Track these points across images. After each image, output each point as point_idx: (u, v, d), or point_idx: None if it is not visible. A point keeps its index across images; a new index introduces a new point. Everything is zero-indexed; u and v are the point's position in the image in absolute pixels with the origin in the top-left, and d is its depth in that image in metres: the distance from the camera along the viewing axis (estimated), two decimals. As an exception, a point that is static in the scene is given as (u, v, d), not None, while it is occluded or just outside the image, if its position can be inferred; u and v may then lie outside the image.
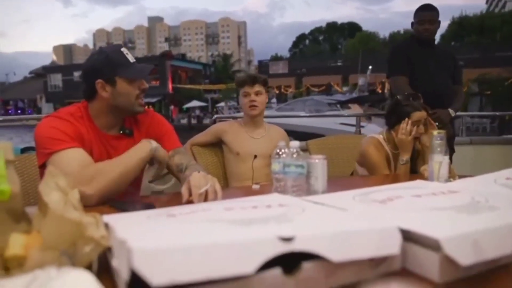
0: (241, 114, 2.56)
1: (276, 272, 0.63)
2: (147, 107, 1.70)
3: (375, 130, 7.78)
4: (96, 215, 0.78)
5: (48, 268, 0.64)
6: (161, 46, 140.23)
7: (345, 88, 33.36)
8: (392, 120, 2.15)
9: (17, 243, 0.72)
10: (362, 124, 4.44)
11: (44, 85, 44.42)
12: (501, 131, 12.94)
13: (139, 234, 0.68)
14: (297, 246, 0.64)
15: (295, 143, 1.30)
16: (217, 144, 2.49)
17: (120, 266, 0.64)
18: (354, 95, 21.33)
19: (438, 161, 1.53)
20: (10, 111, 47.83)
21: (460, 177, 1.57)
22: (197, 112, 33.86)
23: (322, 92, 32.24)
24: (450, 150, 2.86)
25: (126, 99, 1.56)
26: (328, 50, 77.52)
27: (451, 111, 2.87)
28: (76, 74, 40.34)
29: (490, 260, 0.72)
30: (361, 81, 28.23)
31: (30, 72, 61.19)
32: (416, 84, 2.78)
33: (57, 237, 0.70)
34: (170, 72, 38.08)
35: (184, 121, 30.20)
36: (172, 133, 1.71)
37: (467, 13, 45.44)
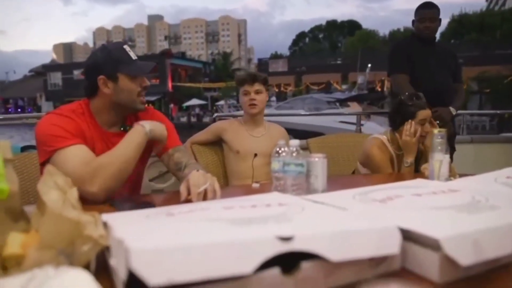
0: (241, 112, 2.55)
1: (275, 272, 0.63)
2: (147, 105, 1.70)
3: (374, 128, 7.81)
4: (95, 214, 0.78)
5: (46, 267, 0.63)
6: (161, 45, 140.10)
7: (344, 86, 33.35)
8: (397, 121, 2.12)
9: (15, 242, 0.71)
10: (362, 122, 4.43)
11: (44, 84, 44.37)
12: (500, 129, 12.98)
13: (137, 234, 0.68)
14: (296, 245, 0.64)
15: (295, 142, 1.29)
16: (217, 143, 2.49)
17: (118, 266, 0.64)
18: (353, 93, 21.35)
19: (439, 159, 1.53)
20: (10, 110, 47.81)
21: (461, 175, 1.56)
22: (197, 110, 33.84)
23: (321, 90, 32.25)
24: (451, 149, 2.85)
25: (127, 95, 1.56)
26: (327, 48, 77.47)
27: (452, 109, 2.86)
28: (76, 73, 40.31)
29: (490, 260, 0.72)
30: (360, 79, 28.23)
31: (30, 71, 61.11)
32: (417, 82, 2.77)
33: (55, 236, 0.70)
34: (170, 71, 38.03)
35: (183, 120, 30.17)
36: (172, 131, 1.71)
37: (467, 11, 45.40)
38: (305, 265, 0.65)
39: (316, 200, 0.98)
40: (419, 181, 1.28)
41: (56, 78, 43.76)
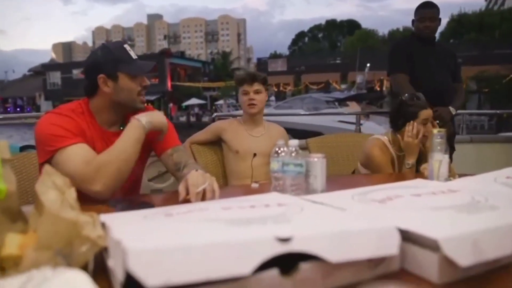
0: (241, 112, 2.55)
1: (273, 273, 0.63)
2: (147, 105, 1.70)
3: (373, 128, 7.82)
4: (93, 214, 0.78)
5: (44, 268, 0.63)
6: (160, 44, 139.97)
7: (343, 86, 33.34)
8: (399, 122, 2.11)
9: (13, 242, 0.71)
10: (360, 122, 4.44)
11: (43, 83, 44.31)
12: (499, 129, 13.01)
13: (134, 235, 0.68)
14: (294, 246, 0.63)
15: (294, 142, 1.29)
16: (217, 143, 2.49)
17: (115, 267, 0.64)
18: (352, 92, 21.36)
19: (438, 159, 1.52)
20: (9, 109, 47.75)
21: (460, 176, 1.56)
22: (196, 110, 33.83)
23: (320, 90, 32.27)
24: (451, 149, 2.85)
25: (128, 95, 1.55)
26: (327, 48, 77.46)
27: (452, 109, 2.86)
28: (75, 72, 40.23)
29: (490, 260, 0.71)
30: (359, 78, 28.22)
31: (29, 70, 61.03)
32: (417, 82, 2.77)
33: (53, 237, 0.70)
34: (169, 70, 38.00)
35: (183, 119, 30.17)
36: (171, 130, 1.70)
37: (466, 11, 45.41)
38: (304, 266, 0.65)
39: (315, 200, 0.98)
40: (418, 181, 1.28)
41: (55, 77, 43.71)
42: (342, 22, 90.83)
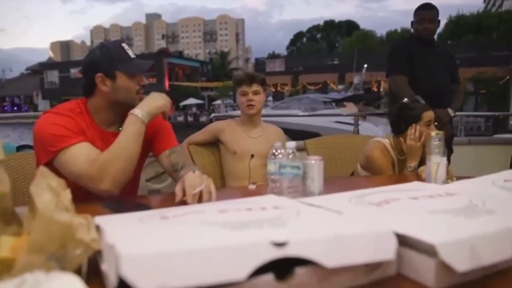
0: (238, 112, 2.54)
1: (268, 278, 0.62)
2: None
3: (370, 129, 7.84)
4: (88, 217, 0.77)
5: (37, 272, 0.62)
6: (159, 43, 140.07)
7: (340, 87, 33.40)
8: (401, 125, 2.08)
9: (5, 245, 0.70)
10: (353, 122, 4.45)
11: (41, 82, 44.16)
12: (495, 130, 13.10)
13: (128, 239, 0.67)
14: (290, 251, 0.63)
15: (291, 144, 1.28)
16: (214, 143, 2.48)
17: (109, 271, 0.63)
18: (349, 93, 21.39)
19: (436, 162, 1.52)
20: (6, 108, 47.61)
21: (458, 178, 1.56)
22: (194, 109, 33.80)
23: (318, 90, 32.33)
24: (449, 150, 2.85)
25: (126, 94, 1.54)
26: (325, 48, 77.53)
27: (450, 111, 2.86)
28: (73, 71, 40.09)
29: (487, 266, 0.71)
30: (356, 79, 28.25)
31: (27, 69, 60.88)
32: (416, 83, 2.77)
33: (46, 240, 0.69)
34: (167, 70, 37.97)
35: (180, 119, 30.12)
36: (170, 131, 1.69)
37: (464, 12, 45.54)
38: (300, 270, 0.64)
39: (312, 203, 0.97)
40: (416, 184, 1.28)
41: (53, 76, 43.59)
42: (340, 22, 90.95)
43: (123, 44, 1.59)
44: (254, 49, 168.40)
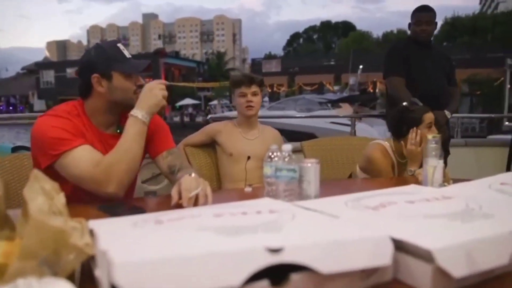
0: (235, 113, 2.54)
1: (263, 284, 0.62)
2: None
3: (365, 130, 7.84)
4: (82, 221, 0.76)
5: (29, 278, 0.61)
6: (156, 43, 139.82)
7: (336, 87, 33.44)
8: (403, 128, 2.06)
9: (-2, 250, 0.69)
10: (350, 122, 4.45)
11: (37, 82, 43.96)
12: (490, 131, 13.20)
13: (121, 245, 0.66)
14: (285, 257, 0.62)
15: (288, 147, 1.28)
16: (211, 145, 2.47)
17: (102, 277, 0.62)
18: (345, 94, 21.42)
19: (433, 165, 1.52)
20: (1, 107, 47.34)
21: (455, 181, 1.56)
22: (190, 110, 33.75)
23: (314, 91, 32.36)
24: (445, 152, 2.85)
25: (123, 94, 1.53)
26: (321, 49, 77.61)
27: (447, 112, 2.87)
28: (69, 71, 39.92)
29: (483, 271, 0.71)
30: (351, 80, 28.28)
31: (22, 68, 60.51)
32: (413, 85, 2.77)
33: (38, 245, 0.68)
34: (164, 70, 37.84)
35: (177, 119, 30.06)
36: (167, 132, 1.68)
37: (460, 14, 45.77)
38: (295, 277, 0.64)
39: (308, 206, 0.97)
40: (412, 187, 1.27)
41: (48, 76, 43.40)
42: (337, 23, 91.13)
43: (119, 44, 1.58)
44: (251, 50, 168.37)
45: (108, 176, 1.38)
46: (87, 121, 1.54)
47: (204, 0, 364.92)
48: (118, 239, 0.71)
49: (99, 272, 0.65)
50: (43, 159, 1.43)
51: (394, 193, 1.14)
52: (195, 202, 1.29)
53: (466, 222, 0.83)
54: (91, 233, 0.75)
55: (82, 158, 1.40)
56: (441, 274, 0.68)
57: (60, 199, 0.80)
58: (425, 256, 0.68)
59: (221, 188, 2.37)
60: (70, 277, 0.67)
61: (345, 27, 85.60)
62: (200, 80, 43.49)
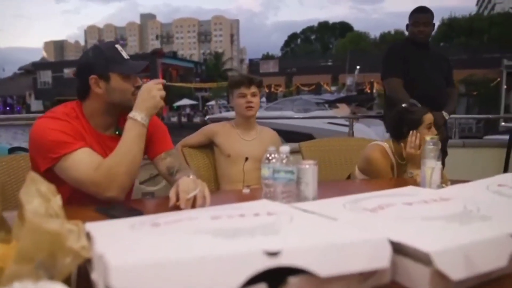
0: (233, 113, 2.53)
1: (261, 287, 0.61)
2: None
3: (362, 130, 7.86)
4: (79, 223, 0.76)
5: (25, 281, 0.61)
6: (153, 44, 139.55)
7: (333, 88, 33.51)
8: (403, 130, 2.06)
9: (-7, 253, 0.69)
10: (348, 123, 4.45)
11: (34, 82, 43.82)
12: (486, 131, 13.29)
13: (118, 248, 0.66)
14: (283, 261, 0.62)
15: (285, 148, 1.27)
16: (208, 146, 2.47)
17: (98, 281, 0.62)
18: (342, 94, 21.48)
19: (431, 166, 1.51)
20: (-2, 107, 47.20)
21: (453, 182, 1.56)
22: (188, 110, 33.74)
23: (311, 91, 32.41)
24: (443, 153, 2.85)
25: (121, 95, 1.52)
26: (319, 50, 77.71)
27: (445, 113, 2.87)
28: (67, 71, 39.84)
29: (482, 274, 0.71)
30: (349, 80, 28.34)
31: (20, 68, 60.42)
32: (412, 86, 2.78)
33: (34, 248, 0.67)
34: (161, 70, 37.83)
35: (174, 119, 30.05)
36: (165, 134, 1.68)
37: (456, 15, 45.96)
38: (293, 280, 0.64)
39: (306, 208, 0.96)
40: (410, 189, 1.27)
41: (46, 76, 43.28)
42: (334, 24, 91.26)
43: (117, 45, 1.57)
44: (248, 50, 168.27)
45: (108, 179, 1.37)
46: (86, 123, 1.53)
47: (202, 1, 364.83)
48: (115, 242, 0.71)
49: (95, 276, 0.65)
50: (43, 162, 1.42)
51: (392, 194, 1.14)
52: (193, 204, 1.29)
53: (464, 224, 0.83)
54: (88, 235, 0.75)
55: (82, 161, 1.39)
56: (439, 276, 0.67)
57: (57, 201, 0.80)
58: (423, 258, 0.68)
59: (219, 189, 2.37)
60: (67, 281, 0.66)
61: (343, 28, 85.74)
62: (198, 81, 43.49)
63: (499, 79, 25.31)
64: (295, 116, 11.27)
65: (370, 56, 31.07)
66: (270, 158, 1.29)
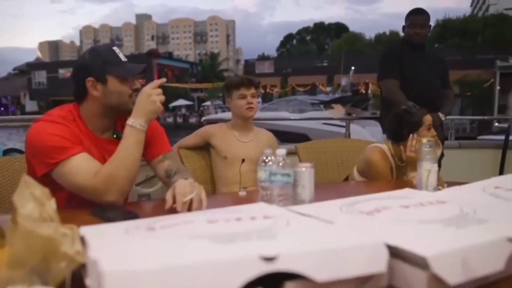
0: (229, 114, 2.53)
1: (258, 293, 0.61)
2: None
3: (358, 131, 7.87)
4: (73, 228, 0.75)
5: (18, 287, 0.60)
6: (149, 44, 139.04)
7: (328, 88, 33.58)
8: (403, 132, 2.04)
9: (-14, 258, 0.68)
10: (344, 124, 4.46)
11: (28, 82, 43.54)
12: (480, 132, 13.40)
13: (112, 254, 0.65)
14: (280, 266, 0.61)
15: (282, 151, 1.27)
16: (205, 148, 2.46)
17: (92, 287, 0.61)
18: (337, 95, 21.53)
19: (427, 169, 1.51)
20: (-7, 108, 46.86)
21: (449, 184, 1.56)
22: (183, 110, 33.69)
23: (307, 92, 32.47)
24: (440, 155, 2.86)
25: (118, 98, 1.51)
26: (314, 50, 77.80)
27: (441, 115, 2.88)
28: (61, 71, 39.66)
29: (478, 278, 0.70)
30: (344, 81, 28.44)
31: (14, 69, 60.02)
32: (408, 87, 2.79)
33: (27, 253, 0.66)
34: (157, 71, 37.72)
35: (170, 120, 30.00)
36: (163, 136, 1.67)
37: (451, 16, 46.21)
38: (290, 285, 0.63)
39: (302, 212, 0.96)
40: (407, 191, 1.26)
41: (41, 76, 43.02)
42: (330, 25, 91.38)
43: (114, 48, 1.56)
44: (244, 51, 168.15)
45: (108, 185, 1.37)
46: (83, 126, 1.51)
47: (197, 1, 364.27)
48: (109, 247, 0.70)
49: (90, 281, 0.64)
50: (40, 167, 1.40)
51: (388, 197, 1.14)
52: (189, 207, 1.28)
53: (461, 227, 0.82)
54: (82, 240, 0.74)
55: (80, 167, 1.38)
56: (437, 281, 0.67)
57: (51, 205, 0.79)
58: (420, 263, 0.68)
59: (215, 191, 2.36)
60: (61, 286, 0.66)
61: (338, 29, 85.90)
62: (194, 81, 43.40)
63: (492, 80, 25.50)
64: (291, 118, 11.31)
65: (365, 56, 31.20)
66: (267, 160, 1.28)
